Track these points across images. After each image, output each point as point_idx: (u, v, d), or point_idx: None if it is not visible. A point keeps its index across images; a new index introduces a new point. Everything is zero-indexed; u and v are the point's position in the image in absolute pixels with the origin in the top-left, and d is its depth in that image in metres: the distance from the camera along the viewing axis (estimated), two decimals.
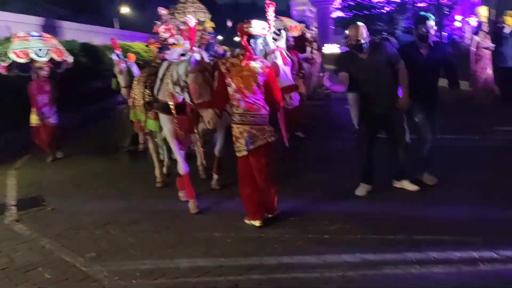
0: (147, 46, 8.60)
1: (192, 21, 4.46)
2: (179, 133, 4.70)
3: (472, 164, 5.52)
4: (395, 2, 26.24)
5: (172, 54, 8.04)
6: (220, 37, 8.78)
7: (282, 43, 4.39)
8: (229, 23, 9.53)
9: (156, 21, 8.85)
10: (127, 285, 3.34)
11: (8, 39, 8.83)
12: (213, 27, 8.94)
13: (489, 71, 8.75)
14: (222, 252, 3.76)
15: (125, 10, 26.30)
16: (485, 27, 8.89)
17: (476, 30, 9.20)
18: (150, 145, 5.81)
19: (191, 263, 3.60)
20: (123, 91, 7.08)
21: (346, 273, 3.28)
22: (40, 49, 7.39)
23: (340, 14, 27.69)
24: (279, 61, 4.18)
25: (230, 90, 4.00)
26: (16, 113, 8.11)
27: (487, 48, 8.60)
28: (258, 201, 4.16)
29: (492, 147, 6.23)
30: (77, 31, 17.61)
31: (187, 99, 4.22)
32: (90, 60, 13.40)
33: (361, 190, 4.81)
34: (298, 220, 4.24)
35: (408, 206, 4.44)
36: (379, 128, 4.78)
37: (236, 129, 4.03)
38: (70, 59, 8.13)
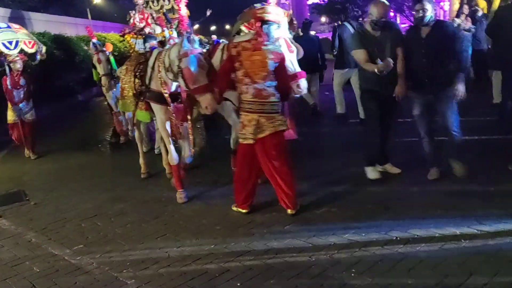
0: (121, 36, 8.46)
1: (183, 9, 4.54)
2: (172, 123, 4.59)
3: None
4: None
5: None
6: (196, 26, 8.66)
7: (284, 31, 4.35)
8: (208, 12, 9.43)
9: (130, 11, 8.69)
10: (118, 275, 3.35)
11: None
12: (188, 16, 8.82)
13: (469, 53, 8.86)
14: (212, 239, 3.80)
15: (97, 0, 25.68)
16: (466, 10, 9.04)
17: (458, 13, 9.32)
18: (137, 135, 5.72)
19: (181, 251, 3.63)
20: (103, 79, 6.92)
21: (334, 254, 3.36)
22: (9, 41, 6.87)
23: (315, 0, 27.73)
24: (284, 49, 4.08)
25: (239, 74, 3.88)
26: None
27: (468, 30, 8.73)
28: (250, 189, 4.15)
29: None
30: (48, 23, 17.13)
31: (182, 85, 4.11)
32: (64, 52, 13.08)
33: (375, 173, 4.81)
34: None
35: (391, 187, 4.56)
36: (382, 109, 4.67)
37: (244, 117, 3.94)
38: (42, 49, 7.71)
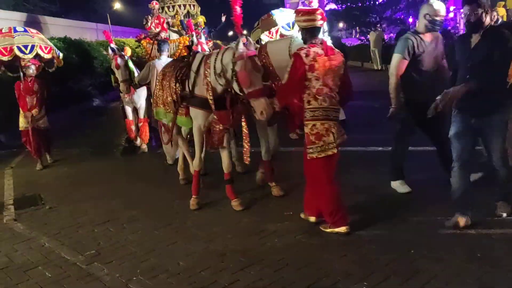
0: (137, 41, 8.51)
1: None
2: (215, 130, 4.42)
3: None
4: None
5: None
6: (213, 31, 8.72)
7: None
8: (223, 18, 9.45)
9: (147, 16, 8.74)
10: (128, 282, 3.35)
11: None
12: (204, 22, 8.85)
13: None
14: (223, 247, 3.77)
15: (117, 6, 26.06)
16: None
17: None
18: (180, 143, 5.50)
19: (191, 259, 3.62)
20: (122, 85, 6.71)
21: (347, 267, 3.30)
22: (25, 46, 6.68)
23: (333, 6, 27.64)
24: None
25: (315, 83, 3.56)
26: (10, 111, 7.86)
27: None
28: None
29: None
30: (68, 28, 17.46)
31: (236, 90, 3.91)
32: (80, 56, 13.20)
33: (405, 187, 4.56)
34: (296, 214, 4.24)
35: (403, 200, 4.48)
36: (420, 122, 4.29)
37: (320, 126, 3.58)
38: (60, 56, 7.47)
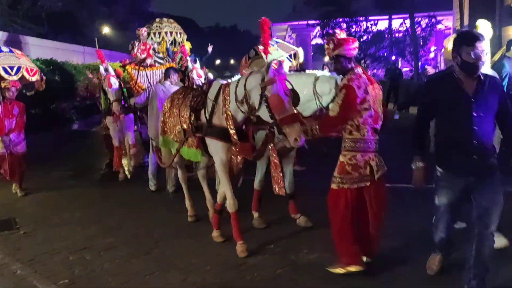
0: (121, 66, 8.45)
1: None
2: (233, 163, 4.18)
3: None
4: (372, 32, 27.06)
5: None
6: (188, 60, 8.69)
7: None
8: (210, 48, 9.42)
9: (133, 41, 8.64)
10: None
11: None
12: (190, 49, 8.81)
13: None
14: (201, 279, 3.70)
15: (105, 30, 26.23)
16: None
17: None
18: (180, 174, 5.27)
19: None
20: (115, 105, 6.46)
21: None
22: (10, 67, 6.45)
23: (319, 41, 28.32)
24: None
25: (364, 113, 3.34)
26: None
27: None
28: (358, 241, 3.55)
29: None
30: (56, 50, 17.43)
31: (265, 117, 3.62)
32: (62, 79, 13.07)
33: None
34: (278, 248, 4.22)
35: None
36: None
37: (360, 157, 3.40)
38: (43, 79, 7.21)
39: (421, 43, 24.82)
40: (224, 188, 4.25)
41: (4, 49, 6.87)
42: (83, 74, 14.97)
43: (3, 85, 6.42)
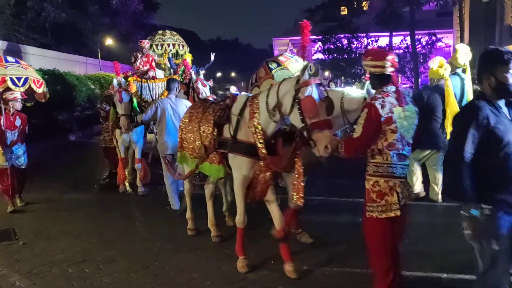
0: (124, 78, 8.41)
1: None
2: (260, 180, 3.98)
3: None
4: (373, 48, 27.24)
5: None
6: (203, 71, 8.66)
7: None
8: (212, 56, 9.30)
9: (135, 53, 8.60)
10: None
11: None
12: (191, 59, 8.78)
13: None
14: None
15: (108, 42, 26.39)
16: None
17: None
18: (187, 188, 5.15)
19: None
20: (122, 119, 6.39)
21: None
22: (18, 78, 6.26)
23: (320, 56, 28.50)
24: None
25: (389, 136, 3.02)
26: None
27: None
28: (394, 278, 3.12)
29: None
30: (58, 60, 17.54)
31: (295, 121, 3.46)
32: (62, 89, 13.14)
33: None
34: (279, 264, 4.17)
35: None
36: None
37: (383, 183, 3.06)
38: (47, 91, 6.98)
39: (421, 60, 24.97)
40: (238, 203, 4.13)
41: (10, 59, 6.72)
42: (85, 84, 15.07)
43: (9, 96, 6.24)
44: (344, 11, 30.65)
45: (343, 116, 4.05)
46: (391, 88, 3.11)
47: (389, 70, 3.09)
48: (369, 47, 27.12)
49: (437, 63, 5.71)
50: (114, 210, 6.25)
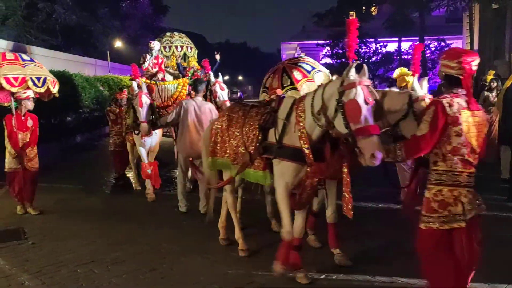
0: (131, 80, 8.22)
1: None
2: (307, 186, 3.72)
3: None
4: (381, 53, 27.26)
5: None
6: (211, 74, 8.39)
7: None
8: (218, 56, 8.77)
9: (144, 54, 8.41)
10: None
11: None
12: (199, 63, 8.60)
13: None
14: None
15: (118, 44, 26.59)
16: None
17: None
18: (230, 200, 4.71)
19: None
20: (143, 126, 6.14)
21: None
22: (37, 78, 5.98)
23: (328, 61, 28.52)
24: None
25: (454, 140, 2.84)
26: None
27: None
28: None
29: None
30: (68, 62, 17.68)
31: (340, 126, 3.21)
32: (71, 91, 13.22)
33: None
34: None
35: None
36: None
37: (447, 192, 2.87)
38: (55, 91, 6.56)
39: (430, 66, 24.93)
40: (282, 213, 3.85)
41: (25, 57, 6.36)
42: (94, 86, 15.18)
43: (22, 95, 5.95)
44: (352, 16, 30.66)
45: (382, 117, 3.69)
46: (462, 91, 2.92)
47: (459, 72, 2.89)
48: (377, 52, 27.16)
49: (395, 74, 6.27)
50: (122, 211, 6.29)
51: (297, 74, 4.43)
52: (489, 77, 9.49)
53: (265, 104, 4.21)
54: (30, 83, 5.87)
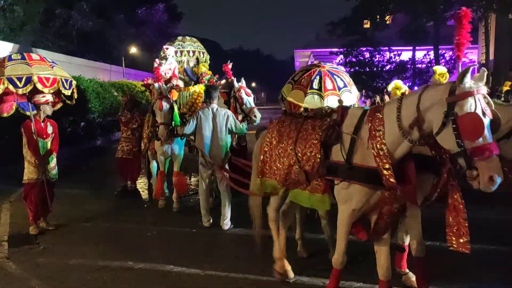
0: (144, 86, 7.85)
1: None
2: (383, 213, 3.17)
3: None
4: (395, 62, 27.13)
5: None
6: (223, 81, 8.11)
7: None
8: (230, 65, 8.79)
9: (157, 59, 8.18)
10: None
11: None
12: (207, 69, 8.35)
13: None
14: None
15: (133, 50, 26.92)
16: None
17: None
18: (273, 225, 4.25)
19: None
20: (161, 128, 6.04)
21: None
22: (65, 79, 5.63)
23: (342, 69, 28.45)
24: None
25: None
26: (14, 144, 7.11)
27: None
28: None
29: None
30: (83, 67, 17.95)
31: (447, 143, 2.71)
32: (86, 96, 13.35)
33: None
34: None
35: None
36: None
37: None
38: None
39: None
40: (339, 240, 3.41)
41: (49, 59, 5.90)
42: (109, 92, 15.36)
43: (41, 99, 5.53)
44: (366, 24, 30.58)
45: None
46: None
47: None
48: (391, 61, 27.03)
49: (391, 86, 6.16)
50: (133, 218, 6.31)
51: (328, 84, 4.26)
52: (505, 88, 9.42)
53: (322, 116, 3.66)
54: (60, 85, 5.53)
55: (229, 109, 6.35)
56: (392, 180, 2.99)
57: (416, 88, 24.16)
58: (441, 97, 2.72)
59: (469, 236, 2.91)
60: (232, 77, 6.70)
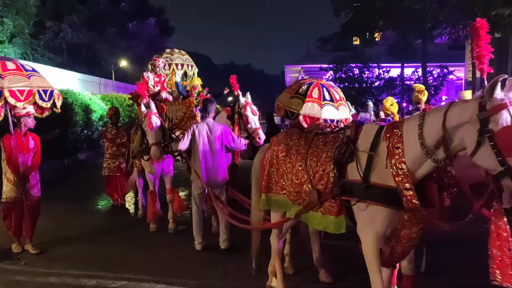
0: (131, 99, 7.68)
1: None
2: (403, 237, 2.93)
3: None
4: (384, 78, 27.46)
5: None
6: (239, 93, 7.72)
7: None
8: (226, 91, 8.08)
9: (145, 72, 7.62)
10: None
11: None
12: (201, 84, 8.23)
13: None
14: None
15: (123, 63, 26.90)
16: None
17: None
18: (275, 247, 4.08)
19: None
20: (154, 149, 5.66)
21: None
22: (44, 91, 5.17)
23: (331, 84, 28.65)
24: None
25: None
26: None
27: None
28: None
29: None
30: (73, 80, 17.86)
31: (486, 162, 2.49)
32: (75, 109, 13.29)
33: None
34: None
35: None
36: None
37: None
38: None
39: (433, 92, 25.00)
40: (373, 274, 3.06)
41: (28, 67, 5.55)
42: (98, 104, 15.27)
43: (21, 111, 5.17)
44: (356, 41, 30.99)
45: None
46: None
47: None
48: (380, 77, 27.35)
49: (389, 102, 7.04)
50: (117, 234, 6.21)
51: (335, 94, 4.22)
52: None
53: (334, 132, 3.52)
54: (37, 97, 5.06)
55: (232, 125, 6.08)
56: (415, 201, 2.78)
57: (404, 104, 24.44)
58: (471, 115, 2.52)
59: None
60: (239, 91, 6.33)
